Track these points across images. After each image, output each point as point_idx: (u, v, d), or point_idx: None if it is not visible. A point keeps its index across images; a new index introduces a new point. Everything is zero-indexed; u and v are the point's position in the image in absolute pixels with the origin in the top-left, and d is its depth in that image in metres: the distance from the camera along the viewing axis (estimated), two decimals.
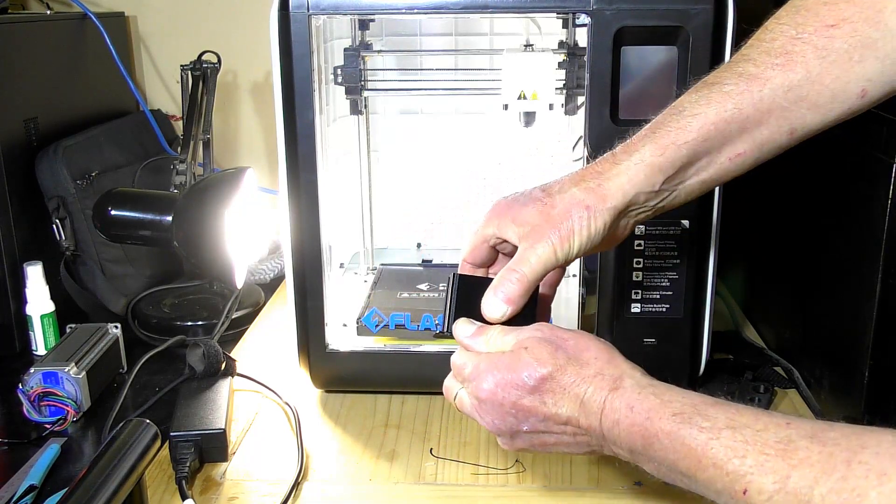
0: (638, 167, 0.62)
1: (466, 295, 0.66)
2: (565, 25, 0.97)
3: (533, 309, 0.65)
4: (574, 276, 1.14)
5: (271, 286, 1.34)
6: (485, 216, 0.67)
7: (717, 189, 0.88)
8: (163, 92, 1.56)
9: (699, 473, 0.52)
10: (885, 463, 0.45)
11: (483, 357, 0.62)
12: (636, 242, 0.89)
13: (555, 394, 0.59)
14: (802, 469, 0.47)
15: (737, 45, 0.82)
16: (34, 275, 1.07)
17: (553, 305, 1.03)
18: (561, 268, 0.68)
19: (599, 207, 0.62)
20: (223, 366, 0.97)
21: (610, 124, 0.85)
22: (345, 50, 0.98)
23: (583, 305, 0.95)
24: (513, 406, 0.60)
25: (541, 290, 0.67)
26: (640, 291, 0.91)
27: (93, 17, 1.32)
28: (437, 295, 1.07)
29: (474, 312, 0.65)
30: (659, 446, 0.54)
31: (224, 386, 0.94)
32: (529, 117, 0.95)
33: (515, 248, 0.65)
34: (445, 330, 0.66)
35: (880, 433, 0.47)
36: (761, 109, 0.61)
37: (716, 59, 0.83)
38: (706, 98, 0.62)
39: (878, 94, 0.61)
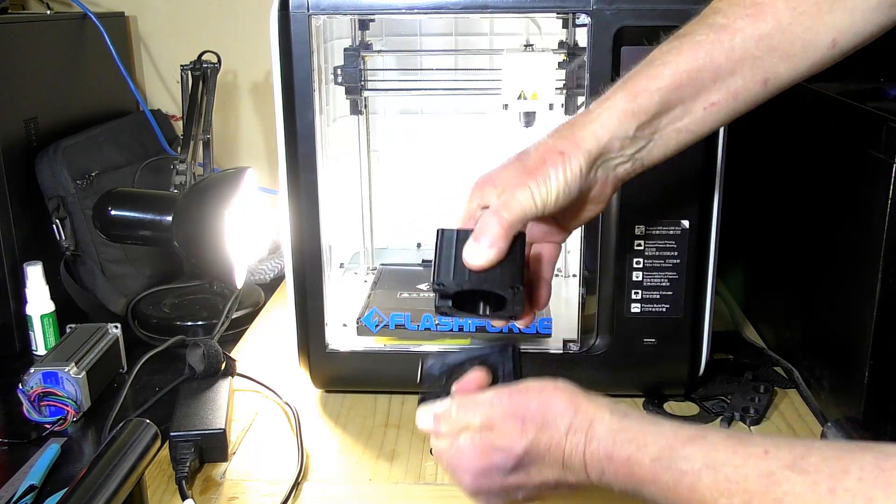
0: (610, 113, 0.62)
1: (451, 247, 0.65)
2: (565, 25, 0.97)
3: (521, 277, 0.63)
4: (574, 276, 1.14)
5: (271, 286, 1.34)
6: (468, 193, 0.65)
7: (717, 189, 0.88)
8: (163, 92, 1.56)
9: None
10: (869, 488, 0.44)
11: (454, 451, 0.60)
12: (636, 242, 0.89)
13: (535, 465, 0.58)
14: (788, 502, 0.46)
15: None
16: (34, 275, 1.07)
17: (553, 305, 1.04)
18: (556, 243, 0.68)
19: (573, 152, 0.61)
20: (223, 366, 0.97)
21: None
22: (345, 50, 0.98)
23: (583, 305, 0.96)
24: (501, 488, 0.59)
25: (541, 268, 0.67)
26: (640, 291, 0.91)
27: (93, 17, 1.32)
28: None
29: (459, 263, 0.63)
30: (648, 490, 0.54)
31: (224, 386, 0.94)
32: (529, 117, 0.95)
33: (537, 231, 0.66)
34: (434, 282, 0.64)
35: (861, 453, 0.46)
36: (733, 58, 0.61)
37: None
38: (677, 49, 0.62)
39: (849, 44, 0.62)
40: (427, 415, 0.63)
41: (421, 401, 0.64)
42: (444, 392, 0.63)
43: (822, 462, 0.46)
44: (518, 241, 0.63)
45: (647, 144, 0.64)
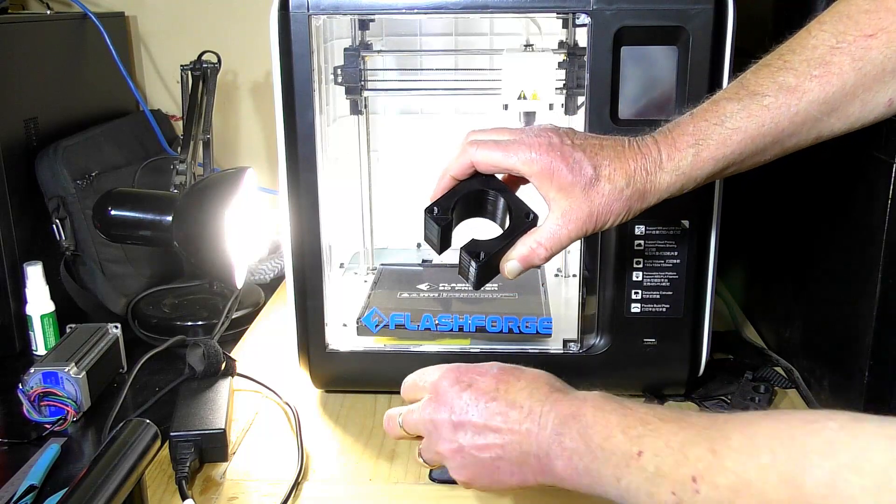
0: (677, 176, 0.65)
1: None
2: (565, 25, 0.97)
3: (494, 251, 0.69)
4: (574, 276, 1.14)
5: (271, 286, 1.34)
6: (522, 145, 0.67)
7: (717, 189, 0.88)
8: (163, 92, 1.56)
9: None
10: (743, 459, 0.48)
11: (420, 413, 0.67)
12: (636, 242, 0.89)
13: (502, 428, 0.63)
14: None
15: (737, 45, 0.83)
16: (34, 275, 1.07)
17: (553, 305, 1.04)
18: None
19: (636, 207, 0.66)
20: (223, 366, 0.97)
21: (610, 124, 0.85)
22: (345, 50, 0.98)
23: (583, 305, 0.96)
24: (475, 428, 0.63)
25: None
26: (640, 291, 0.91)
27: (93, 17, 1.32)
28: (436, 295, 1.07)
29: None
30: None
31: (224, 386, 0.94)
32: (529, 117, 0.95)
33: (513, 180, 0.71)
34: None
35: (745, 416, 0.51)
36: (796, 122, 0.63)
37: (716, 59, 0.83)
38: (747, 110, 0.64)
39: None
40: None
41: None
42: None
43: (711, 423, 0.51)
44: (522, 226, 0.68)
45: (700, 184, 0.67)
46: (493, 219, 0.72)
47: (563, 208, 0.65)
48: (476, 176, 0.70)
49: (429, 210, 0.69)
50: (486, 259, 0.68)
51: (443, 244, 0.70)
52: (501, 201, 0.70)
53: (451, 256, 1.23)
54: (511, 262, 0.68)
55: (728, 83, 0.84)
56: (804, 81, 0.62)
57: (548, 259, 0.68)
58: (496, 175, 0.71)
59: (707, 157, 0.64)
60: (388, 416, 0.71)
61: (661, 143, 0.65)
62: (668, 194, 0.66)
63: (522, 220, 0.69)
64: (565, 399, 0.60)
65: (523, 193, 0.71)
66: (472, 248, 0.69)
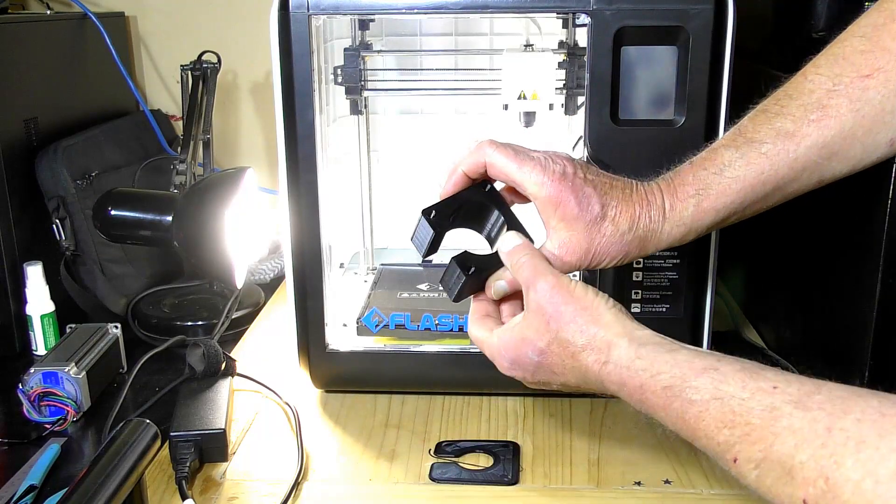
0: (679, 227, 0.66)
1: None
2: (565, 25, 0.97)
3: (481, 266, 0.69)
4: (574, 276, 1.14)
5: (271, 286, 1.34)
6: (537, 164, 0.66)
7: None
8: (163, 92, 1.56)
9: (696, 441, 0.54)
10: (865, 430, 0.44)
11: (494, 339, 0.66)
12: None
13: (558, 367, 0.62)
14: (785, 437, 0.47)
15: (737, 44, 0.83)
16: (34, 275, 1.07)
17: None
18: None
19: (633, 254, 0.66)
20: (223, 366, 0.97)
21: (610, 124, 0.85)
22: (345, 50, 0.98)
23: None
24: (532, 377, 0.64)
25: None
26: (640, 291, 0.91)
27: (93, 17, 1.32)
28: (436, 295, 1.07)
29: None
30: (659, 416, 0.56)
31: (224, 386, 0.94)
32: (529, 117, 0.95)
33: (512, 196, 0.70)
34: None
35: (867, 397, 0.47)
36: (796, 168, 0.63)
37: (716, 59, 0.83)
38: (746, 158, 0.64)
39: None
40: (510, 242, 0.67)
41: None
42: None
43: (827, 401, 0.47)
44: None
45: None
46: (487, 235, 0.71)
47: (562, 239, 0.65)
48: (481, 186, 0.69)
49: (426, 212, 0.69)
50: (474, 274, 0.68)
51: (430, 249, 0.69)
52: (501, 220, 0.69)
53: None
54: (499, 283, 0.68)
55: (728, 83, 0.84)
56: (802, 126, 0.62)
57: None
58: (501, 187, 0.70)
59: (708, 207, 0.65)
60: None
61: (665, 191, 0.66)
62: (667, 245, 0.66)
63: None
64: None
65: (520, 210, 0.71)
66: (463, 261, 0.68)
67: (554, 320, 0.61)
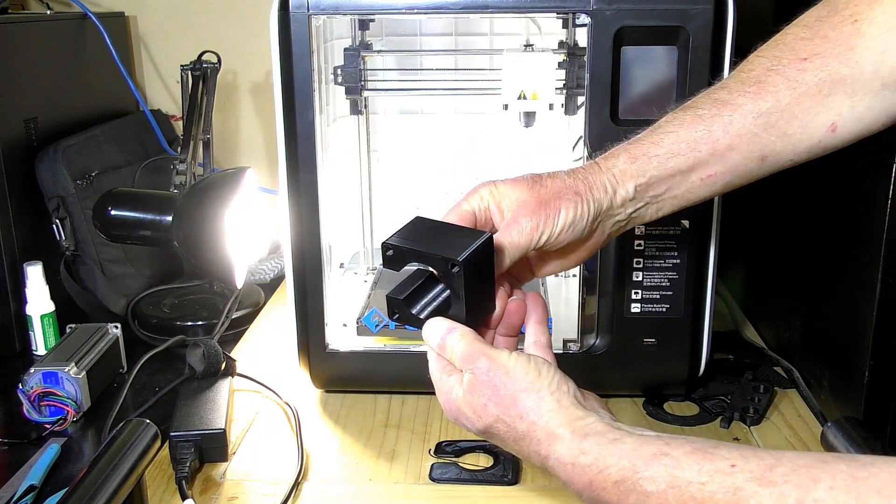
0: (614, 171, 0.65)
1: (423, 230, 0.65)
2: (565, 25, 0.97)
3: (492, 298, 0.64)
4: (574, 276, 1.14)
5: (271, 286, 1.34)
6: (468, 194, 0.66)
7: None
8: (163, 92, 1.56)
9: None
10: (841, 498, 0.42)
11: (441, 388, 0.62)
12: (636, 242, 0.89)
13: (501, 442, 0.59)
14: None
15: (736, 45, 0.83)
16: (34, 275, 1.07)
17: (553, 305, 1.04)
18: (517, 280, 0.69)
19: (587, 196, 0.64)
20: (223, 366, 0.97)
21: (610, 124, 0.85)
22: (345, 50, 0.98)
23: (583, 305, 0.96)
24: (485, 432, 0.60)
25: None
26: (640, 291, 0.91)
27: (93, 17, 1.32)
28: None
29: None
30: None
31: (224, 386, 0.94)
32: (529, 117, 0.95)
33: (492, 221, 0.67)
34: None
35: (833, 462, 0.45)
36: (731, 133, 0.63)
37: (716, 59, 0.83)
38: (680, 119, 0.65)
39: (850, 131, 0.63)
40: (437, 331, 0.63)
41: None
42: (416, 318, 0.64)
43: (792, 472, 0.45)
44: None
45: (644, 206, 0.67)
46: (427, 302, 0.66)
47: (512, 211, 0.64)
48: (399, 254, 0.65)
49: (392, 316, 0.66)
50: (403, 318, 0.64)
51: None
52: (444, 296, 0.64)
53: None
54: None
55: None
56: (737, 97, 0.64)
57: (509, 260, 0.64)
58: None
59: (639, 153, 0.65)
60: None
61: (598, 159, 0.67)
62: (613, 188, 0.65)
63: (449, 272, 0.62)
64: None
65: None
66: (392, 301, 0.65)
67: (493, 403, 0.58)
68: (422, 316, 0.64)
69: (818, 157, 0.65)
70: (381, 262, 1.19)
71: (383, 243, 0.64)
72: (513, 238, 0.63)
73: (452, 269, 0.61)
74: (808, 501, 0.43)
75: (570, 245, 0.66)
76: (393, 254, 0.64)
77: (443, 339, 0.62)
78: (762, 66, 0.64)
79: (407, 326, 0.66)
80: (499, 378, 0.58)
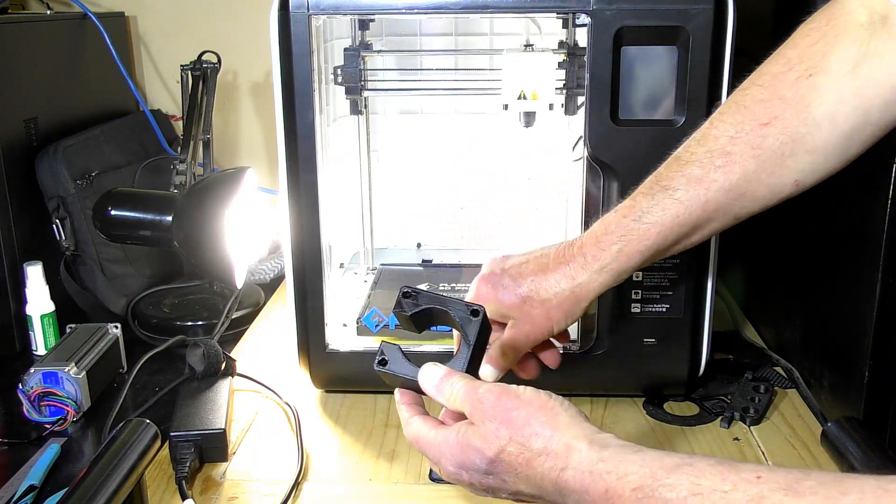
0: (605, 273, 0.70)
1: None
2: (565, 25, 0.97)
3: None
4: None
5: (271, 286, 1.34)
6: (480, 275, 0.74)
7: None
8: (163, 92, 1.56)
9: None
10: None
11: (439, 439, 0.61)
12: None
13: (508, 473, 0.57)
14: None
15: (737, 44, 0.83)
16: (34, 275, 1.07)
17: None
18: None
19: (574, 310, 0.71)
20: (223, 366, 0.97)
21: (610, 124, 0.85)
22: (345, 50, 0.98)
23: None
24: (480, 484, 0.59)
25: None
26: (640, 291, 0.91)
27: (93, 17, 1.32)
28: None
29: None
30: None
31: (224, 386, 0.94)
32: (529, 117, 0.95)
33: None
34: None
35: (862, 478, 0.44)
36: (707, 210, 0.68)
37: (716, 59, 0.83)
38: (661, 205, 0.68)
39: (811, 181, 0.67)
40: (433, 375, 0.63)
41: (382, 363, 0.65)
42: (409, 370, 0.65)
43: (819, 486, 0.44)
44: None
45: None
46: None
47: (518, 326, 0.72)
48: (416, 299, 0.66)
49: (379, 364, 0.65)
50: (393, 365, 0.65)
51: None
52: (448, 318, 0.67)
53: (451, 257, 1.24)
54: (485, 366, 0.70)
55: (728, 83, 0.84)
56: (709, 172, 0.67)
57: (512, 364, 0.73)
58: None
59: (631, 251, 0.69)
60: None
61: (587, 245, 0.70)
62: (599, 291, 0.71)
63: (468, 318, 0.65)
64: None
65: None
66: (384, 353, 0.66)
67: (505, 426, 0.56)
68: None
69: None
70: (381, 262, 1.20)
71: (403, 289, 0.66)
72: (517, 347, 0.72)
73: (472, 316, 0.64)
74: None
75: None
76: (410, 296, 0.66)
77: (441, 380, 0.62)
78: (726, 135, 0.67)
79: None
80: (510, 402, 0.58)
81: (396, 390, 0.67)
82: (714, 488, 0.47)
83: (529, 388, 0.59)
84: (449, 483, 0.80)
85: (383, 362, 0.65)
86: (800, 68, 0.64)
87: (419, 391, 0.65)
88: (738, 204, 0.68)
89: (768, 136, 0.65)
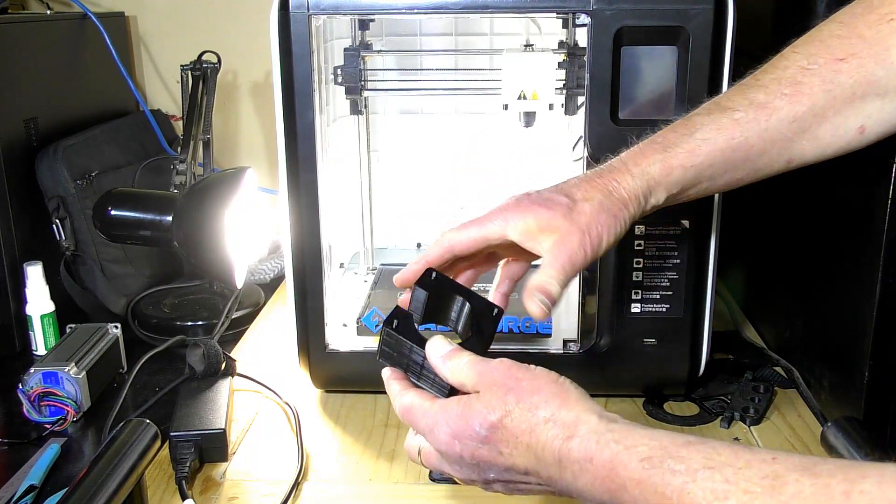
0: (648, 182, 0.64)
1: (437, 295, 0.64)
2: (565, 25, 0.97)
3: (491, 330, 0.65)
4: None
5: (271, 286, 1.34)
6: (494, 212, 0.65)
7: None
8: (163, 92, 1.56)
9: None
10: (890, 491, 0.40)
11: (436, 407, 0.59)
12: (636, 242, 0.89)
13: (506, 443, 0.55)
14: None
15: (737, 45, 0.83)
16: (34, 275, 1.07)
17: None
18: (527, 262, 0.69)
19: (622, 215, 0.63)
20: (223, 366, 0.97)
21: (610, 124, 0.85)
22: (345, 50, 0.98)
23: (583, 305, 0.95)
24: (471, 457, 0.56)
25: (504, 286, 0.69)
26: (640, 291, 0.91)
27: (93, 17, 1.32)
28: None
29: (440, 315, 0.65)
30: (629, 497, 0.49)
31: (224, 386, 0.94)
32: (529, 117, 0.95)
33: (514, 251, 0.66)
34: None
35: (881, 465, 0.42)
36: (766, 139, 0.63)
37: (716, 58, 0.83)
38: (717, 123, 0.64)
39: (876, 132, 0.63)
40: (442, 346, 0.61)
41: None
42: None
43: (837, 468, 0.43)
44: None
45: (666, 203, 0.66)
46: (454, 326, 0.67)
47: (553, 242, 0.62)
48: (426, 275, 0.64)
49: (388, 323, 0.63)
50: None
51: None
52: (466, 307, 0.65)
53: None
54: (533, 298, 0.62)
55: (728, 83, 0.84)
56: (774, 99, 0.63)
57: (555, 298, 0.62)
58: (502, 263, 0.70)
59: (676, 164, 0.64)
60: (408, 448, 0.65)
61: (628, 156, 0.65)
62: (646, 199, 0.64)
63: (489, 315, 0.65)
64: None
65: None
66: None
67: (513, 392, 0.55)
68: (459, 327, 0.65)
69: (840, 156, 0.65)
70: (381, 262, 1.20)
71: (428, 269, 0.64)
72: (567, 271, 0.62)
73: (494, 313, 0.64)
74: (854, 493, 0.41)
75: None
76: (436, 279, 0.64)
77: (450, 352, 0.60)
78: (798, 65, 0.63)
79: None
80: (520, 373, 0.57)
81: (387, 368, 0.65)
82: (727, 464, 0.46)
83: (540, 367, 0.58)
84: (449, 483, 0.80)
85: (393, 323, 0.63)
86: (881, 11, 0.61)
87: (412, 369, 0.63)
88: (798, 141, 0.63)
89: (842, 71, 0.61)
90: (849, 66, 0.61)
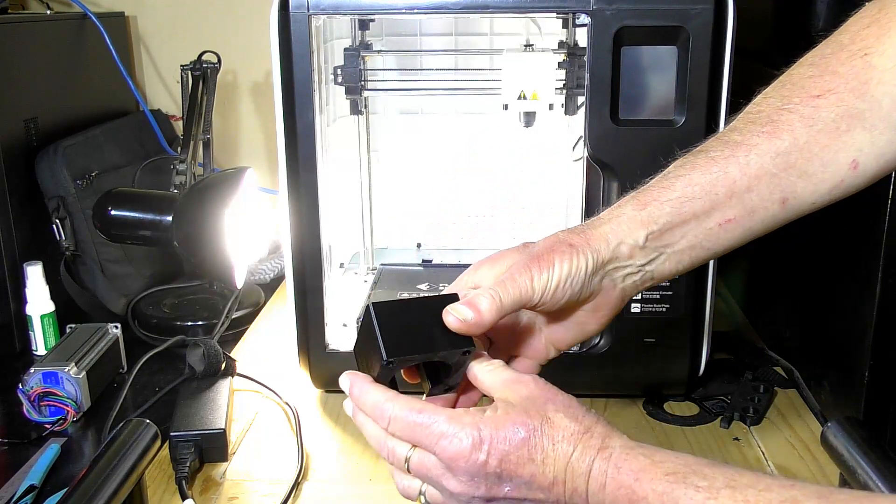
0: (620, 219, 0.61)
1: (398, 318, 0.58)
2: (565, 25, 0.97)
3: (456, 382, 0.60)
4: None
5: (271, 286, 1.33)
6: (463, 274, 0.63)
7: None
8: (163, 92, 1.56)
9: None
10: None
11: (448, 418, 0.55)
12: None
13: (544, 449, 0.53)
14: None
15: (737, 45, 0.83)
16: (34, 275, 1.07)
17: None
18: (535, 361, 0.66)
19: (582, 247, 0.60)
20: (223, 366, 0.97)
21: (610, 124, 0.85)
22: (345, 50, 0.98)
23: None
24: (498, 464, 0.53)
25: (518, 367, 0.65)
26: (640, 291, 0.91)
27: (93, 17, 1.32)
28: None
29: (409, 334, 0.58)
30: None
31: (224, 386, 0.94)
32: (529, 117, 0.95)
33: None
34: (384, 359, 0.56)
35: (893, 497, 0.44)
36: (748, 174, 0.60)
37: (716, 58, 0.83)
38: (691, 163, 0.61)
39: (873, 167, 0.60)
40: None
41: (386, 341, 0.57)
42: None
43: (852, 497, 0.44)
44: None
45: (659, 257, 0.62)
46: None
47: (503, 273, 0.60)
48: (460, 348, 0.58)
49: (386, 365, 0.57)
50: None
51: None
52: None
53: (451, 257, 1.24)
54: (455, 305, 0.58)
55: (728, 83, 0.84)
56: (751, 137, 0.60)
57: (497, 309, 0.57)
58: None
59: (649, 199, 0.61)
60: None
61: (603, 211, 0.63)
62: (617, 238, 0.60)
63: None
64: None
65: None
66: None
67: (552, 403, 0.54)
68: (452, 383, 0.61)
69: (842, 198, 0.62)
70: (381, 262, 1.20)
71: (386, 359, 0.56)
72: (508, 293, 0.58)
73: (465, 355, 0.58)
74: None
75: (580, 308, 0.63)
76: (395, 365, 0.57)
77: (481, 360, 0.59)
78: (772, 107, 0.60)
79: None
80: (553, 389, 0.56)
81: (363, 377, 0.58)
82: (749, 485, 0.47)
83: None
84: None
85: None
86: (852, 48, 0.59)
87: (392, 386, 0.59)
88: (786, 177, 0.60)
89: (821, 107, 0.59)
90: (827, 102, 0.59)
